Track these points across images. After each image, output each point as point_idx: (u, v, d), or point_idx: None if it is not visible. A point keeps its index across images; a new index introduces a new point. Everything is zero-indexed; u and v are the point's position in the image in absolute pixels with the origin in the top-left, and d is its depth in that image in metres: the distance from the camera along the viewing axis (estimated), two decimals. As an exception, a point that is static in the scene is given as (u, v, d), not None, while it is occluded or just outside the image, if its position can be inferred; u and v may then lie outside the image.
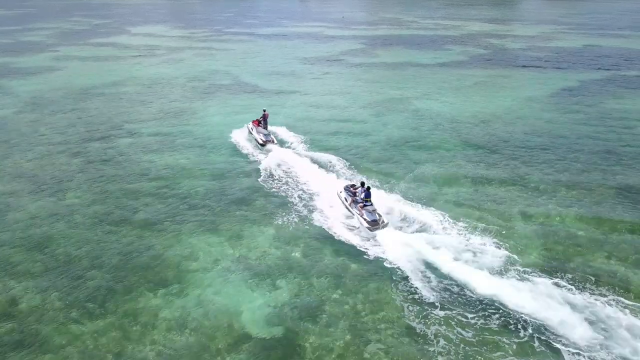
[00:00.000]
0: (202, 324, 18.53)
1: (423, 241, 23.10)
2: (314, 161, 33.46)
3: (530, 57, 75.04)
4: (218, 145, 36.98)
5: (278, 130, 39.56)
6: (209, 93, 53.74)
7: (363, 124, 42.22)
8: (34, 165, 33.26)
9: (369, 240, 23.66)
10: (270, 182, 30.29)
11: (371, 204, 24.82)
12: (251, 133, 37.87)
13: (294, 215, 26.19)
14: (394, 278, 20.85)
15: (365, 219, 24.19)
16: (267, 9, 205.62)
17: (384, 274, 21.17)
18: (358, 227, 24.74)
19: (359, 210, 24.75)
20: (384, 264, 21.78)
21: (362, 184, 26.20)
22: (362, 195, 25.17)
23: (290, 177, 31.08)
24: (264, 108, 40.55)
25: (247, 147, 36.48)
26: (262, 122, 37.51)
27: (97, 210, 26.86)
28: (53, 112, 46.10)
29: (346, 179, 30.43)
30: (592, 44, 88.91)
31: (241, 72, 65.40)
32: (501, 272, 20.98)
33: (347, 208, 25.98)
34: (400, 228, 24.77)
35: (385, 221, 24.33)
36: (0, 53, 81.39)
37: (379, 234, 23.73)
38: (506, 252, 22.40)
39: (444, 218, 25.44)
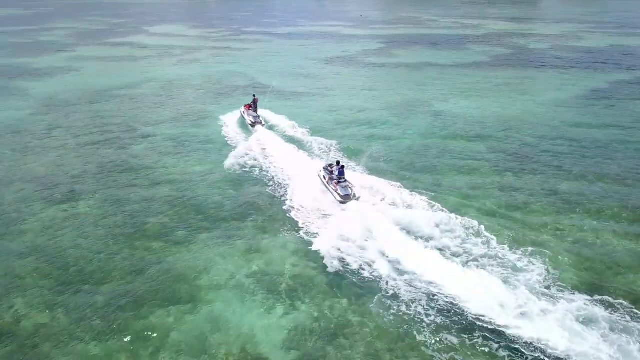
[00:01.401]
0: (215, 346, 17.39)
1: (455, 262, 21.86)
2: (297, 143, 37.07)
3: (554, 57, 72.96)
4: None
5: (282, 121, 42.21)
6: (224, 94, 52.79)
7: (384, 127, 40.90)
8: (47, 170, 32.47)
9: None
10: (277, 189, 29.28)
11: (345, 181, 27.19)
12: (243, 116, 42.06)
13: (310, 226, 25.02)
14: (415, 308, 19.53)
15: (339, 194, 26.53)
16: (283, 8, 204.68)
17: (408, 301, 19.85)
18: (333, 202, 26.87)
19: (334, 186, 27.11)
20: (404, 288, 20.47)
21: (338, 162, 28.35)
22: (337, 173, 27.40)
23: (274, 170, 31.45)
24: (254, 93, 43.84)
25: (234, 139, 38.49)
26: (252, 106, 41.48)
27: (109, 220, 25.89)
28: (68, 114, 45.43)
29: (325, 160, 32.85)
30: (617, 43, 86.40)
31: (258, 72, 64.37)
32: (535, 289, 19.56)
33: (325, 185, 28.26)
34: (432, 238, 23.53)
35: (357, 195, 26.55)
36: (18, 53, 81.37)
37: (350, 204, 25.82)
38: (540, 269, 20.96)
39: (475, 227, 24.13)
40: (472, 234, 23.81)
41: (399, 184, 29.13)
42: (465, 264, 21.49)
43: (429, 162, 33.35)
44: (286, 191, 28.72)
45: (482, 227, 24.18)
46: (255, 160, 33.84)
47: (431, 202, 26.95)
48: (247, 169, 32.47)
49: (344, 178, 27.18)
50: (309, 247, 22.98)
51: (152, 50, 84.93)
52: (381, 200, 27.37)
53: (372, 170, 31.26)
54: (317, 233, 24.17)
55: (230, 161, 33.40)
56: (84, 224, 25.48)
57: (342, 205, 26.17)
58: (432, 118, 43.49)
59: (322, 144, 36.90)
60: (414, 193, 27.96)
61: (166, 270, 21.47)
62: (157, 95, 52.70)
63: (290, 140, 38.17)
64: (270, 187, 29.55)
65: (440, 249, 22.61)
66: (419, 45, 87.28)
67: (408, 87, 55.70)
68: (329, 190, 27.61)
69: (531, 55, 76.10)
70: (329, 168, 28.47)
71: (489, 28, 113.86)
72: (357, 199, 26.33)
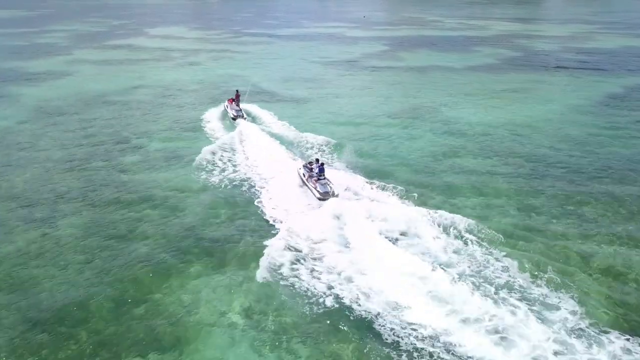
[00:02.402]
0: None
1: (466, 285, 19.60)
2: (280, 138, 37.53)
3: (564, 59, 70.65)
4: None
5: (266, 115, 43.60)
6: (221, 100, 50.47)
7: (390, 136, 38.61)
8: (30, 186, 30.28)
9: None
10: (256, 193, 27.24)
11: (324, 178, 27.15)
12: (226, 110, 43.62)
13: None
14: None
15: (318, 191, 26.57)
16: (285, 8, 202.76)
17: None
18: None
19: (314, 184, 27.08)
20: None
21: (317, 160, 28.52)
22: (317, 171, 27.39)
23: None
24: (237, 88, 45.98)
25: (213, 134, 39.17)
26: (235, 100, 43.31)
27: (91, 244, 23.66)
28: (57, 123, 43.27)
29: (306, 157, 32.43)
30: (628, 44, 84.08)
31: (258, 77, 62.13)
32: (568, 328, 17.30)
33: (304, 182, 28.19)
34: (449, 265, 21.26)
35: (336, 193, 26.57)
36: (14, 56, 79.32)
37: (328, 202, 25.72)
38: (569, 303, 18.67)
39: (492, 251, 21.93)
40: (489, 258, 21.59)
41: (407, 201, 26.97)
42: (486, 295, 19.18)
43: (437, 176, 31.08)
44: (264, 195, 27.96)
45: (501, 252, 21.99)
46: (234, 156, 34.21)
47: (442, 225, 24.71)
48: (222, 168, 32.21)
49: (323, 175, 27.27)
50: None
51: (151, 53, 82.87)
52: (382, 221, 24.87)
53: (377, 185, 29.01)
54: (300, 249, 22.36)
55: (201, 156, 33.56)
56: (63, 250, 23.23)
57: (320, 202, 26.18)
58: (440, 125, 41.24)
59: (307, 141, 37.01)
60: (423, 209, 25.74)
61: (151, 307, 19.24)
62: (151, 101, 50.52)
63: (272, 134, 38.60)
64: (249, 193, 28.70)
65: (455, 276, 20.25)
66: (423, 47, 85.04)
67: (413, 91, 53.45)
68: (309, 187, 27.62)
69: (540, 57, 73.76)
70: (308, 165, 28.57)
71: (495, 29, 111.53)
72: (336, 196, 26.30)
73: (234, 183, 29.96)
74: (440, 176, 31.15)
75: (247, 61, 74.73)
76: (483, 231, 23.62)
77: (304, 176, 28.30)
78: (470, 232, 23.80)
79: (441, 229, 23.93)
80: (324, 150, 35.36)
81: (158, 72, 66.06)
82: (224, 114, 43.59)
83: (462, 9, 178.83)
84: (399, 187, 28.13)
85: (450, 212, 25.35)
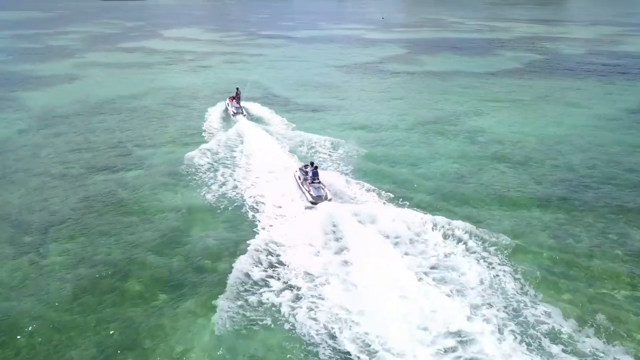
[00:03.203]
0: None
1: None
2: (278, 136, 38.09)
3: (594, 64, 67.19)
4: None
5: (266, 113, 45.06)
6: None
7: (410, 147, 36.00)
8: (23, 204, 28.14)
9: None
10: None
11: (319, 182, 26.89)
12: (227, 107, 45.60)
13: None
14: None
15: (310, 194, 26.36)
16: (302, 9, 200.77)
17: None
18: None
19: (308, 187, 26.86)
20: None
21: (312, 163, 28.24)
22: (311, 174, 27.13)
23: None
24: (237, 86, 47.42)
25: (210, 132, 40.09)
26: (235, 98, 45.16)
27: (81, 274, 21.35)
28: (60, 131, 41.28)
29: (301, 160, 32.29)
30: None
31: (272, 82, 59.82)
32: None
33: (299, 186, 27.95)
34: (475, 307, 18.58)
35: (329, 197, 26.38)
36: (24, 59, 78.10)
37: (319, 206, 25.53)
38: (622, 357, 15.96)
39: (529, 290, 19.30)
40: (524, 299, 18.88)
41: (430, 215, 24.55)
42: (529, 349, 16.47)
43: (462, 194, 28.30)
44: (257, 199, 27.54)
45: (537, 290, 19.26)
46: (231, 157, 34.25)
47: (471, 250, 22.09)
48: (217, 173, 31.65)
49: (317, 179, 27.03)
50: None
51: (163, 56, 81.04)
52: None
53: (398, 199, 26.46)
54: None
55: (193, 153, 34.00)
56: (50, 280, 20.97)
57: (313, 205, 25.96)
58: (463, 136, 38.44)
59: (306, 141, 37.12)
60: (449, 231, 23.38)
61: (139, 355, 16.89)
62: (159, 108, 48.37)
63: (271, 133, 38.91)
64: (244, 200, 27.80)
65: (489, 327, 17.56)
66: (445, 51, 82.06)
67: (434, 98, 50.63)
68: (303, 191, 27.43)
69: (567, 61, 70.37)
70: (304, 169, 28.35)
71: (518, 31, 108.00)
72: (329, 200, 26.10)
73: (230, 192, 28.85)
74: (465, 195, 28.39)
75: (261, 65, 72.48)
76: (516, 265, 20.95)
77: (300, 179, 28.13)
78: (502, 264, 21.19)
79: (454, 242, 22.15)
80: (324, 151, 35.08)
81: (169, 76, 64.07)
82: (225, 117, 44.54)
83: (482, 10, 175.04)
84: (420, 205, 25.64)
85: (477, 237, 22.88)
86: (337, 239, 23.18)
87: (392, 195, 27.60)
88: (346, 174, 30.97)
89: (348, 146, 35.41)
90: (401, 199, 27.14)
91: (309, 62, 74.11)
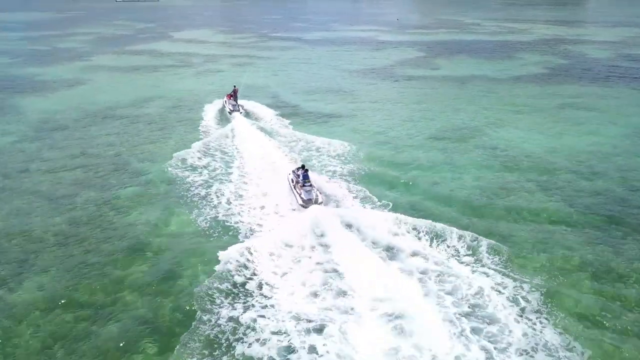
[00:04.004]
0: None
1: None
2: (273, 134, 38.67)
3: (623, 68, 63.61)
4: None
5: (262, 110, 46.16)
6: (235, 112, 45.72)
7: (429, 166, 32.81)
8: (4, 228, 25.64)
9: None
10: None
11: (310, 185, 26.49)
12: (225, 105, 45.89)
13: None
14: None
15: (301, 198, 25.97)
16: (316, 10, 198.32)
17: None
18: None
19: (299, 190, 26.52)
20: None
21: (303, 166, 27.86)
22: (301, 177, 26.82)
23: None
24: (234, 84, 48.28)
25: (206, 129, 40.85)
26: (233, 95, 45.67)
27: (56, 318, 18.75)
28: (56, 142, 38.89)
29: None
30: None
31: (282, 87, 57.14)
32: None
33: (291, 189, 27.52)
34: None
35: (320, 200, 25.87)
36: (30, 62, 76.29)
37: (311, 208, 24.88)
38: None
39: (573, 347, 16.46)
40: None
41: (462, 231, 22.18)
42: None
43: (485, 219, 25.33)
44: (247, 203, 27.36)
45: (585, 352, 16.31)
46: (224, 157, 34.43)
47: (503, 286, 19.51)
48: (209, 170, 32.46)
49: (308, 182, 26.67)
50: None
51: (171, 59, 78.71)
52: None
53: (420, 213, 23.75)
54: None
55: (184, 152, 34.32)
56: (18, 324, 18.39)
57: (302, 208, 25.51)
58: (486, 151, 35.34)
59: (302, 141, 37.16)
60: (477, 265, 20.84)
61: None
62: (162, 115, 45.84)
63: (265, 130, 39.75)
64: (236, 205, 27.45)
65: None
66: (461, 54, 78.81)
67: (452, 106, 47.49)
68: (294, 194, 27.04)
69: (594, 65, 66.75)
70: (296, 171, 28.02)
71: (538, 33, 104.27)
72: (320, 204, 25.60)
73: (220, 202, 27.80)
74: (489, 220, 25.44)
75: (270, 69, 69.81)
76: (550, 312, 18.07)
77: (292, 182, 27.84)
78: (537, 312, 18.27)
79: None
80: (323, 153, 34.82)
81: (175, 81, 61.65)
82: (221, 116, 44.95)
83: (499, 11, 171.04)
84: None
85: (503, 270, 20.42)
86: (323, 246, 22.54)
87: (397, 208, 25.70)
88: (347, 181, 30.04)
89: (351, 149, 34.99)
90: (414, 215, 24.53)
91: (319, 66, 71.37)
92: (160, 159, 34.29)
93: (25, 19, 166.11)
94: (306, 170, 27.34)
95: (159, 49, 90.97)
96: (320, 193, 26.64)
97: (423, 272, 20.68)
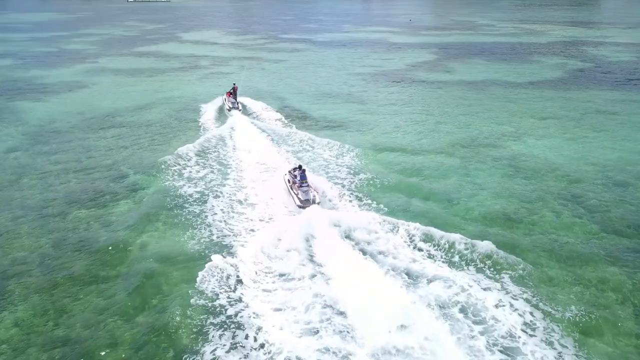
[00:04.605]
0: None
1: None
2: (271, 133, 38.67)
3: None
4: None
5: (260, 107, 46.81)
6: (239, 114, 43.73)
7: (445, 181, 30.44)
8: (-17, 248, 23.82)
9: None
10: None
11: (307, 185, 26.25)
12: (224, 102, 46.42)
13: None
14: None
15: (299, 198, 25.76)
16: (328, 11, 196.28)
17: None
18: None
19: (296, 190, 26.34)
20: None
21: (300, 166, 27.44)
22: (299, 177, 26.49)
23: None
24: (234, 82, 49.54)
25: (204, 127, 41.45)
26: (232, 93, 46.01)
27: (30, 356, 16.78)
28: (52, 151, 37.01)
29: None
30: None
31: (289, 92, 55.01)
32: None
33: (288, 189, 27.34)
34: None
35: (318, 200, 25.69)
36: (34, 64, 74.78)
37: (308, 209, 24.60)
38: None
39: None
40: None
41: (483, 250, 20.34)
42: None
43: (508, 245, 22.70)
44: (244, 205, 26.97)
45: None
46: (220, 156, 34.22)
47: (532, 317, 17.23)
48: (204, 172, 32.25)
49: (306, 182, 26.46)
50: None
51: (177, 62, 76.88)
52: None
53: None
54: None
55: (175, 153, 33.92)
56: (-12, 368, 16.48)
57: (300, 209, 25.34)
58: (506, 165, 32.84)
59: (302, 140, 37.08)
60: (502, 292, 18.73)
61: None
62: (164, 122, 43.79)
63: (263, 129, 39.85)
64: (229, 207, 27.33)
65: None
66: (477, 56, 76.18)
67: (469, 114, 45.01)
68: (291, 194, 26.86)
69: (614, 68, 63.84)
70: (293, 172, 27.70)
71: (555, 34, 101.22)
72: (318, 204, 25.44)
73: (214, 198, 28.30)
74: (512, 241, 23.13)
75: (279, 72, 67.69)
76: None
77: (289, 182, 27.58)
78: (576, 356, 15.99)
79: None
80: (323, 153, 34.70)
81: (180, 84, 59.68)
82: (219, 115, 45.14)
83: (515, 12, 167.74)
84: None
85: (531, 300, 18.17)
86: (311, 254, 21.89)
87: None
88: (349, 188, 29.09)
89: (356, 153, 34.40)
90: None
91: (329, 68, 69.15)
92: (156, 170, 32.21)
93: (37, 19, 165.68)
94: (303, 171, 26.99)
95: (166, 50, 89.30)
96: (317, 193, 26.42)
97: (442, 305, 18.50)
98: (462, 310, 18.26)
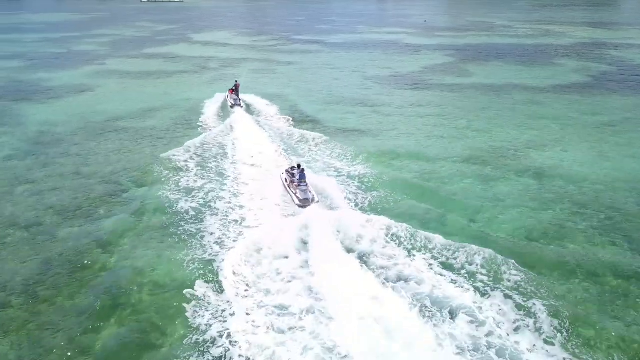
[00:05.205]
0: None
1: None
2: (272, 130, 38.67)
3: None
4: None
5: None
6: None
7: (464, 196, 28.17)
8: (-32, 269, 22.09)
9: None
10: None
11: (306, 184, 26.17)
12: (226, 99, 47.08)
13: None
14: None
15: (298, 197, 25.64)
16: (341, 12, 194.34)
17: None
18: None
19: (294, 190, 26.16)
20: None
21: (299, 165, 27.26)
22: (298, 177, 26.29)
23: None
24: (236, 79, 49.87)
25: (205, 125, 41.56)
26: (234, 90, 46.39)
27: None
28: (49, 159, 35.38)
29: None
30: None
31: (300, 96, 52.99)
32: None
33: (286, 189, 27.26)
34: None
35: (317, 199, 25.69)
36: (42, 66, 73.62)
37: (308, 209, 24.57)
38: None
39: None
40: None
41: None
42: None
43: (540, 271, 20.55)
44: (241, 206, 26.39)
45: None
46: (219, 155, 34.03)
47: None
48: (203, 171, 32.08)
49: (304, 181, 26.33)
50: None
51: (186, 64, 75.27)
52: None
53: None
54: None
55: (170, 152, 33.87)
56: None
57: (300, 209, 25.20)
58: (530, 179, 30.39)
59: (303, 138, 37.05)
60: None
61: None
62: (168, 128, 41.94)
63: (264, 126, 39.91)
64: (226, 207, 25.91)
65: None
66: (495, 59, 73.61)
67: (489, 122, 42.60)
68: (290, 194, 26.75)
69: (641, 73, 61.02)
70: (290, 171, 27.64)
71: (575, 36, 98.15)
72: (317, 203, 25.50)
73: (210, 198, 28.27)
74: (540, 272, 20.76)
75: (290, 75, 65.72)
76: None
77: (286, 181, 27.45)
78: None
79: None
80: (323, 153, 34.36)
81: (186, 88, 57.94)
82: (221, 114, 45.41)
83: (532, 12, 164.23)
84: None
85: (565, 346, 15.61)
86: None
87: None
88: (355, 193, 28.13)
89: (364, 155, 33.62)
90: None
91: (341, 71, 67.05)
92: (156, 180, 30.49)
93: (51, 19, 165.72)
94: (302, 170, 26.77)
95: (176, 52, 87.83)
96: (314, 192, 26.33)
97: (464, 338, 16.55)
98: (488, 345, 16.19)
